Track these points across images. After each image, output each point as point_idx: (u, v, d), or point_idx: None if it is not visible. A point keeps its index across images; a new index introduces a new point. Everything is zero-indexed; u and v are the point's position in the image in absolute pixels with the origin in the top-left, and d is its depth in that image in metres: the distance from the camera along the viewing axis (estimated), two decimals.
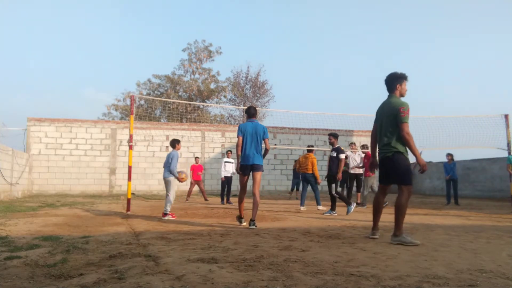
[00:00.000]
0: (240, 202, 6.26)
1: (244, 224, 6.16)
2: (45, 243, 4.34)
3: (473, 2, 60.00)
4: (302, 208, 9.73)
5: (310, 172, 9.86)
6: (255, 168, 6.10)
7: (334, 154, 8.65)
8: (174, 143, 7.81)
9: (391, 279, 2.81)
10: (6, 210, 8.42)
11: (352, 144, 11.40)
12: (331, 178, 8.62)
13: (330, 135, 8.85)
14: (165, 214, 7.29)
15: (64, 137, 17.21)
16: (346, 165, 12.32)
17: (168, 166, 7.54)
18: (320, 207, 9.83)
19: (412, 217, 7.70)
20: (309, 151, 10.35)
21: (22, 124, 17.02)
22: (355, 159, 10.94)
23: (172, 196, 7.49)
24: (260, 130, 6.15)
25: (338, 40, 65.57)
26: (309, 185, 9.93)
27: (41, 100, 57.31)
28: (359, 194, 11.31)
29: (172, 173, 7.49)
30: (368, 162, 10.08)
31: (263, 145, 6.22)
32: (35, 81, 59.33)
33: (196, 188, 14.74)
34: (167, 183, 7.58)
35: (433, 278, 2.86)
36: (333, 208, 8.56)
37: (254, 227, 5.79)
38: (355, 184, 11.16)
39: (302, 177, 10.14)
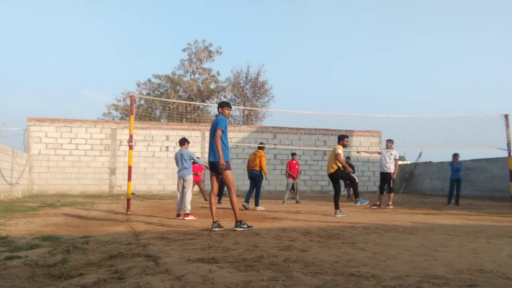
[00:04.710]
0: (210, 204, 5.70)
1: (216, 229, 5.48)
2: (45, 243, 4.34)
3: (475, 3, 60.06)
4: (245, 204, 9.45)
5: (258, 169, 9.73)
6: (216, 167, 5.60)
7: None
8: (184, 141, 7.68)
9: (391, 279, 2.81)
10: (6, 210, 8.41)
11: (388, 141, 10.66)
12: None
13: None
14: (187, 215, 7.24)
15: (64, 137, 17.21)
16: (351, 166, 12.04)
17: (188, 165, 7.44)
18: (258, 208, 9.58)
19: (412, 217, 7.70)
20: (260, 148, 10.10)
21: (22, 124, 17.04)
22: (386, 158, 10.48)
23: (190, 195, 7.41)
24: (214, 123, 5.68)
25: (338, 40, 65.61)
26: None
27: (41, 100, 57.35)
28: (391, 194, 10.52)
29: (201, 164, 7.89)
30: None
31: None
32: (35, 81, 59.37)
33: (196, 188, 14.75)
34: (187, 182, 7.44)
35: (433, 278, 2.86)
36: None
37: (238, 229, 5.44)
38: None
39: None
